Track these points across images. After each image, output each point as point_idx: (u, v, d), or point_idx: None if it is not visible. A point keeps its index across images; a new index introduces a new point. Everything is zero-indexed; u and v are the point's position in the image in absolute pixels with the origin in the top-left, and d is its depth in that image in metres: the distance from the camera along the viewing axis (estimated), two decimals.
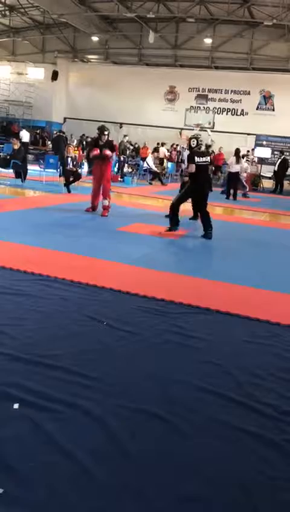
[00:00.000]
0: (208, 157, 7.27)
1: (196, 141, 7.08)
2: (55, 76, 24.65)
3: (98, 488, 1.79)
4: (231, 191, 13.89)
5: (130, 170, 17.92)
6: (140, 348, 3.04)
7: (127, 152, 18.45)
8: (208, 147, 7.69)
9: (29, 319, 3.29)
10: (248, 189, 15.49)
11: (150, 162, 17.03)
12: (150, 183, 16.95)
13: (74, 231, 6.61)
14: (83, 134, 22.74)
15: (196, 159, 6.86)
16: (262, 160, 19.48)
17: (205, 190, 7.27)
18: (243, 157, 15.41)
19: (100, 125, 8.54)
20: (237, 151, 14.04)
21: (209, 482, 1.88)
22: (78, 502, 1.71)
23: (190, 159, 7.08)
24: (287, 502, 1.83)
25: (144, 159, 19.23)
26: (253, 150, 19.96)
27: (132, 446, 2.04)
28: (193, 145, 7.11)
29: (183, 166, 12.51)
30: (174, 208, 7.10)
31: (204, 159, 7.04)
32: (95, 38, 23.92)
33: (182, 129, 20.46)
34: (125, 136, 19.60)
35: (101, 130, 8.18)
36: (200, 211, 7.24)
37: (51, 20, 22.92)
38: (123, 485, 1.81)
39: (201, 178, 7.04)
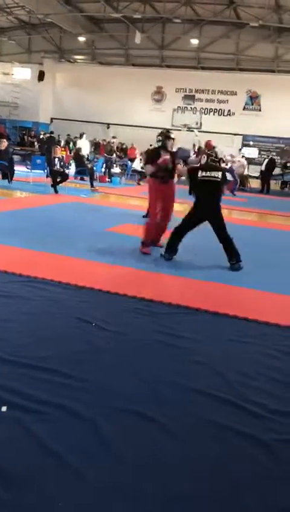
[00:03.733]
0: (219, 173, 5.56)
1: (206, 157, 5.60)
2: (41, 76, 24.52)
3: (88, 489, 1.78)
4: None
5: (118, 171, 17.89)
6: (129, 348, 3.04)
7: (114, 154, 18.42)
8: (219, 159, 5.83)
9: (17, 321, 3.26)
10: (236, 187, 15.63)
11: (136, 164, 17.02)
12: (138, 184, 16.95)
13: (62, 232, 6.58)
14: (68, 135, 22.68)
15: (200, 173, 5.48)
16: (249, 160, 19.59)
17: (212, 206, 5.58)
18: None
19: (162, 130, 6.57)
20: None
21: (199, 482, 1.89)
22: (68, 504, 1.70)
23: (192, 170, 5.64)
24: (276, 500, 1.84)
25: (131, 160, 19.22)
26: (240, 150, 20.09)
27: (121, 447, 2.03)
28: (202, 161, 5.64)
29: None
30: (177, 233, 5.61)
31: (211, 173, 5.52)
32: (81, 39, 23.86)
33: (168, 130, 20.48)
34: (114, 137, 19.56)
35: (167, 134, 6.15)
36: (218, 236, 5.58)
37: (37, 20, 22.81)
38: (113, 486, 1.81)
39: (205, 194, 5.54)
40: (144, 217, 8.38)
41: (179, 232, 5.59)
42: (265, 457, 2.08)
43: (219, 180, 5.53)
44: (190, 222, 5.58)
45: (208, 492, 1.84)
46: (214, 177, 5.50)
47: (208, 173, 5.48)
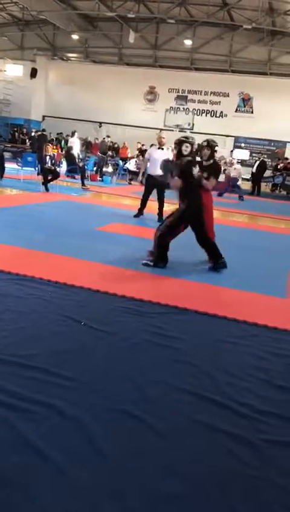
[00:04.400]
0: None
1: (190, 147, 5.14)
2: (34, 73, 24.40)
3: (74, 488, 1.77)
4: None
5: (110, 170, 17.87)
6: (117, 348, 3.03)
7: (108, 152, 18.42)
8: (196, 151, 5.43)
9: (5, 319, 3.24)
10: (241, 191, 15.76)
11: (131, 165, 17.01)
12: (129, 183, 16.95)
13: (52, 230, 6.55)
14: (61, 133, 22.61)
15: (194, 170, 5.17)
16: (240, 162, 19.66)
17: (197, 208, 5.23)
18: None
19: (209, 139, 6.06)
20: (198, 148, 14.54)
21: (186, 482, 1.89)
22: (53, 502, 1.69)
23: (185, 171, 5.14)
24: (263, 500, 1.85)
25: (123, 159, 19.21)
26: (231, 151, 20.18)
27: (107, 446, 2.03)
28: (184, 152, 5.13)
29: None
30: (163, 239, 5.23)
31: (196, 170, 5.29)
32: (75, 37, 23.79)
33: (161, 130, 20.50)
34: (108, 136, 19.53)
35: (212, 144, 5.80)
36: (197, 239, 5.31)
37: (30, 17, 22.71)
38: (99, 485, 1.80)
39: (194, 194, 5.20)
40: (135, 216, 8.42)
41: (166, 240, 5.25)
42: (252, 458, 2.08)
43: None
44: (175, 228, 5.22)
45: (195, 492, 1.84)
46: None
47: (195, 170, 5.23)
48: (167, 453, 2.05)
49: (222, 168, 15.82)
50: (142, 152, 19.15)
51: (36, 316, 3.37)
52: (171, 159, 6.17)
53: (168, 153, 7.84)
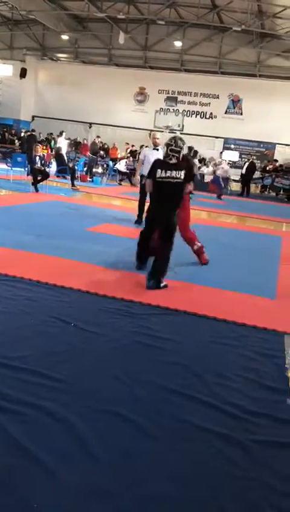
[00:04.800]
0: (182, 172, 4.55)
1: (175, 158, 4.59)
2: (23, 73, 24.27)
3: (63, 489, 1.76)
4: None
5: (100, 170, 17.85)
6: (107, 349, 3.03)
7: (99, 153, 18.38)
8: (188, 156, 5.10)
9: None
10: (223, 191, 15.82)
11: (121, 166, 17.00)
12: (120, 184, 16.94)
13: (42, 231, 6.52)
14: (51, 133, 22.54)
15: (159, 172, 4.55)
16: (230, 164, 19.77)
17: (167, 217, 4.61)
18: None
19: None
20: (194, 152, 14.68)
21: (176, 482, 1.89)
22: (43, 504, 1.68)
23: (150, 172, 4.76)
24: (252, 500, 1.86)
25: (113, 160, 19.19)
26: (221, 153, 20.28)
27: (97, 447, 2.03)
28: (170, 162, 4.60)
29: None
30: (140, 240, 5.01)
31: (172, 173, 4.53)
32: (64, 37, 23.72)
33: (151, 130, 20.52)
34: (98, 137, 19.49)
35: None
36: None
37: (20, 17, 22.59)
38: (89, 487, 1.80)
39: (161, 199, 4.63)
40: (136, 223, 8.11)
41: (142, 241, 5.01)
42: (241, 458, 2.10)
43: (181, 181, 4.57)
44: (147, 231, 4.93)
45: (184, 492, 1.85)
46: (174, 177, 4.52)
47: (167, 173, 4.52)
48: (157, 454, 2.06)
49: (211, 169, 15.99)
50: (132, 153, 19.18)
51: (26, 317, 3.35)
52: None
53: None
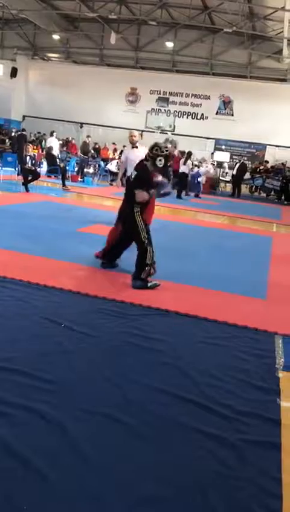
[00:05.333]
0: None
1: (163, 160, 4.68)
2: (14, 73, 24.17)
3: (55, 493, 1.76)
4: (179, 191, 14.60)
5: (91, 171, 17.81)
6: (99, 350, 3.02)
7: (90, 153, 18.33)
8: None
9: None
10: (201, 190, 15.84)
11: (112, 166, 17.00)
12: (111, 184, 16.91)
13: (32, 231, 6.49)
14: (39, 133, 22.47)
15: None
16: (221, 165, 19.86)
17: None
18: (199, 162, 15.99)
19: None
20: (188, 153, 14.95)
21: (168, 484, 1.89)
22: (35, 507, 1.67)
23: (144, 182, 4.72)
24: (243, 501, 1.86)
25: (104, 160, 19.15)
26: (212, 154, 20.35)
27: (89, 450, 2.02)
28: (158, 165, 4.67)
29: None
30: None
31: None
32: (56, 37, 23.67)
33: (143, 131, 20.52)
34: (88, 136, 19.45)
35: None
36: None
37: (11, 16, 22.49)
38: (81, 489, 1.79)
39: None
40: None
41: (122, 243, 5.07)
42: (232, 458, 2.10)
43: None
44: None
45: (175, 493, 1.85)
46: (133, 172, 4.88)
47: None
48: (149, 455, 2.06)
49: (203, 169, 16.04)
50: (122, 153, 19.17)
51: (16, 319, 3.33)
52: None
53: (143, 151, 7.17)
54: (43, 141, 21.40)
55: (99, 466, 1.94)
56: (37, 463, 1.89)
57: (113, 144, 21.07)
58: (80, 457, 1.97)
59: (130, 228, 4.80)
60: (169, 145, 6.02)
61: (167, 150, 4.76)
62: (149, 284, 4.54)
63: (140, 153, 7.01)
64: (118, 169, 16.54)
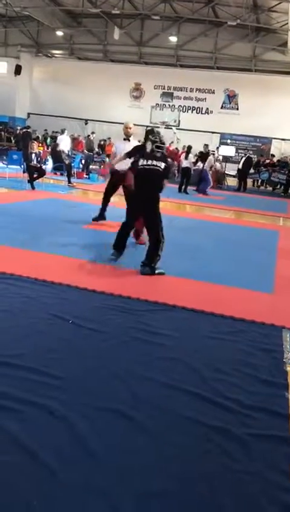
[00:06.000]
0: (162, 164, 5.07)
1: (151, 145, 5.14)
2: (18, 70, 24.18)
3: (63, 488, 1.77)
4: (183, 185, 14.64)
5: (96, 167, 17.81)
6: (106, 345, 3.03)
7: (94, 150, 18.34)
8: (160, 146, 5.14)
9: None
10: (211, 185, 15.75)
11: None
12: None
13: (39, 228, 6.51)
14: (45, 130, 22.48)
15: (141, 161, 5.09)
16: (227, 159, 19.77)
17: (149, 196, 5.06)
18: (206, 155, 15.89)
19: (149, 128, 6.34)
20: (188, 147, 14.94)
21: (175, 478, 1.90)
22: (42, 502, 1.69)
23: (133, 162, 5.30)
24: (251, 495, 1.87)
25: (109, 156, 19.10)
26: (217, 148, 20.25)
27: (97, 444, 2.03)
28: (148, 148, 5.19)
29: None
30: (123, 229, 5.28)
31: (153, 162, 5.05)
32: (59, 33, 23.64)
33: (147, 126, 20.47)
34: (92, 133, 19.43)
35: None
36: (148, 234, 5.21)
37: (14, 13, 22.47)
38: (88, 484, 1.80)
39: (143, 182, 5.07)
40: (94, 220, 7.89)
41: (124, 228, 5.25)
42: (239, 452, 2.10)
43: (160, 170, 5.02)
44: (130, 214, 5.30)
45: (183, 487, 1.85)
46: (155, 166, 5.02)
47: (149, 161, 5.03)
48: (156, 450, 2.06)
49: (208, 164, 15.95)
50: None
51: (23, 315, 3.35)
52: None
53: (135, 144, 6.77)
54: (48, 138, 21.44)
55: (106, 460, 1.95)
56: (45, 458, 1.90)
57: (109, 138, 20.99)
58: (87, 452, 1.98)
59: (150, 217, 5.07)
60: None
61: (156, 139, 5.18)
62: (157, 271, 4.80)
63: (131, 146, 6.58)
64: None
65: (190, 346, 3.16)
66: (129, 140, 6.99)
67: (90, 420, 2.19)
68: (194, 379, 2.71)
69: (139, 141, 7.24)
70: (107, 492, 1.77)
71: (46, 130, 22.69)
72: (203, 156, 15.78)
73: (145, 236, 5.69)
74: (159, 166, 5.02)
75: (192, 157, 15.37)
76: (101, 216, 7.49)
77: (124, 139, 7.09)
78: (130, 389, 2.52)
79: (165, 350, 3.06)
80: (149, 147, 5.19)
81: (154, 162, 5.02)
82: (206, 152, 16.50)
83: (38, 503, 1.68)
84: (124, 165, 6.16)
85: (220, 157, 19.00)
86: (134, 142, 6.88)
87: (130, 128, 7.11)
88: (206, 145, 17.53)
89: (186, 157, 14.82)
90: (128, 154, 5.97)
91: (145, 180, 5.03)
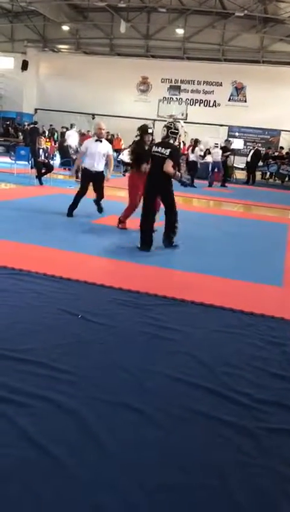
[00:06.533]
0: (168, 150, 5.58)
1: (166, 130, 5.78)
2: (25, 66, 24.16)
3: (73, 481, 1.77)
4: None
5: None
6: (115, 340, 3.03)
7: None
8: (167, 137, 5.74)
9: (1, 314, 3.23)
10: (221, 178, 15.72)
11: (125, 156, 16.94)
12: (124, 175, 16.86)
13: (47, 224, 6.52)
14: (51, 125, 22.47)
15: (154, 148, 5.71)
16: (235, 152, 19.62)
17: (159, 181, 5.64)
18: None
19: (142, 124, 6.79)
20: (195, 141, 14.98)
21: (185, 471, 1.90)
22: (53, 496, 1.69)
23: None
24: (261, 487, 1.86)
25: (116, 151, 19.08)
26: (225, 141, 20.10)
27: (107, 438, 2.03)
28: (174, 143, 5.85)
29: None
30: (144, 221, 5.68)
31: (159, 149, 5.65)
32: (65, 28, 23.56)
33: (155, 120, 20.37)
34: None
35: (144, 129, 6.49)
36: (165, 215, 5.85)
37: (20, 8, 22.43)
38: (99, 477, 1.81)
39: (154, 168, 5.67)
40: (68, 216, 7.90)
41: (145, 218, 5.63)
42: (251, 446, 2.10)
43: (165, 156, 5.51)
44: (146, 200, 5.71)
45: (194, 481, 1.85)
46: (161, 153, 5.56)
47: (159, 148, 5.61)
48: (166, 444, 2.06)
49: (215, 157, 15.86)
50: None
51: (32, 311, 3.36)
52: (110, 152, 7.13)
53: (107, 146, 7.27)
54: (55, 134, 21.43)
55: (117, 454, 1.95)
56: (55, 452, 1.91)
57: (107, 131, 20.91)
58: (98, 446, 1.98)
59: (169, 201, 5.78)
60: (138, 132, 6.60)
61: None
62: (173, 243, 5.74)
63: (103, 147, 7.02)
64: (130, 159, 16.51)
65: (199, 340, 3.15)
66: (101, 141, 7.12)
67: (99, 414, 2.20)
68: (203, 373, 2.70)
69: (109, 140, 7.83)
70: (116, 486, 1.78)
71: (51, 125, 22.65)
72: (225, 150, 15.73)
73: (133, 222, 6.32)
74: (164, 154, 5.54)
75: (199, 151, 15.27)
76: (70, 212, 7.37)
77: (96, 140, 7.17)
78: (140, 383, 2.52)
79: (174, 344, 3.05)
80: (164, 133, 5.78)
81: (161, 149, 5.60)
82: (226, 147, 16.46)
83: (48, 496, 1.68)
84: (97, 165, 7.01)
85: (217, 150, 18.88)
86: (105, 143, 7.10)
87: (102, 129, 7.21)
88: (227, 140, 17.48)
89: (193, 151, 14.74)
90: (136, 155, 6.46)
91: (154, 166, 5.64)
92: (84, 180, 7.37)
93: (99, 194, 7.51)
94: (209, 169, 15.55)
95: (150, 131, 6.47)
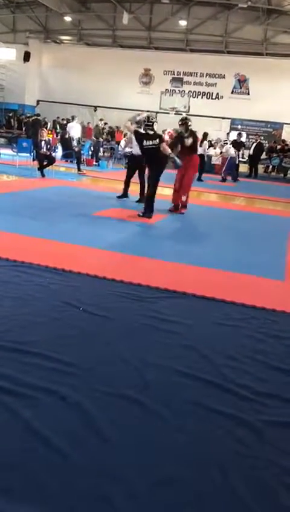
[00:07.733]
0: (157, 140, 6.95)
1: (143, 125, 7.26)
2: (27, 57, 24.03)
3: (77, 473, 1.79)
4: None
5: (106, 154, 17.73)
6: (116, 332, 3.04)
7: (103, 136, 18.25)
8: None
9: (4, 306, 3.24)
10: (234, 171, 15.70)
11: (127, 148, 16.88)
12: (126, 168, 16.81)
13: (49, 216, 6.52)
14: (58, 117, 22.39)
15: (144, 142, 6.94)
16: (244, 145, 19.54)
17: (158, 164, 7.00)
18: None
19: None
20: (204, 134, 14.99)
21: (187, 464, 1.91)
22: (57, 487, 1.71)
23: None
24: (262, 480, 1.87)
25: (119, 143, 19.02)
26: (228, 134, 20.04)
27: (109, 430, 2.05)
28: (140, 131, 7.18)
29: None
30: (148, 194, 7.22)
31: (151, 142, 6.94)
32: (67, 19, 23.40)
33: (157, 112, 20.27)
34: (101, 119, 19.32)
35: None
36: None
37: None
38: (101, 469, 1.82)
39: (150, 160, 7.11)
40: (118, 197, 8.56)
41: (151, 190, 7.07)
42: (252, 439, 2.11)
43: (157, 144, 6.83)
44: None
45: (195, 473, 1.87)
46: (153, 145, 6.87)
47: (148, 142, 6.87)
48: (167, 436, 2.08)
49: (218, 151, 15.86)
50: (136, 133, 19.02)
51: (35, 303, 3.37)
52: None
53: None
54: (58, 126, 21.36)
55: (119, 446, 1.96)
56: (58, 443, 1.92)
57: (105, 123, 20.82)
58: (100, 438, 2.00)
59: (157, 171, 6.95)
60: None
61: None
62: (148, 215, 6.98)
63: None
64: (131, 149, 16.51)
65: (201, 333, 3.16)
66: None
67: (102, 406, 2.21)
68: (205, 366, 2.72)
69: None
70: (120, 478, 1.79)
71: (58, 117, 22.54)
72: (235, 145, 15.67)
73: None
74: (154, 144, 6.83)
75: (206, 144, 15.18)
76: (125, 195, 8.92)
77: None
78: (142, 375, 2.53)
79: (175, 337, 3.06)
80: (143, 130, 7.03)
81: (150, 142, 6.86)
82: (239, 141, 16.42)
83: (51, 487, 1.70)
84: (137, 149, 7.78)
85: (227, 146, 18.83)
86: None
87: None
88: (239, 134, 17.42)
89: (200, 144, 14.65)
90: (138, 141, 7.38)
91: (149, 157, 7.04)
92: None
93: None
94: (226, 165, 15.39)
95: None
